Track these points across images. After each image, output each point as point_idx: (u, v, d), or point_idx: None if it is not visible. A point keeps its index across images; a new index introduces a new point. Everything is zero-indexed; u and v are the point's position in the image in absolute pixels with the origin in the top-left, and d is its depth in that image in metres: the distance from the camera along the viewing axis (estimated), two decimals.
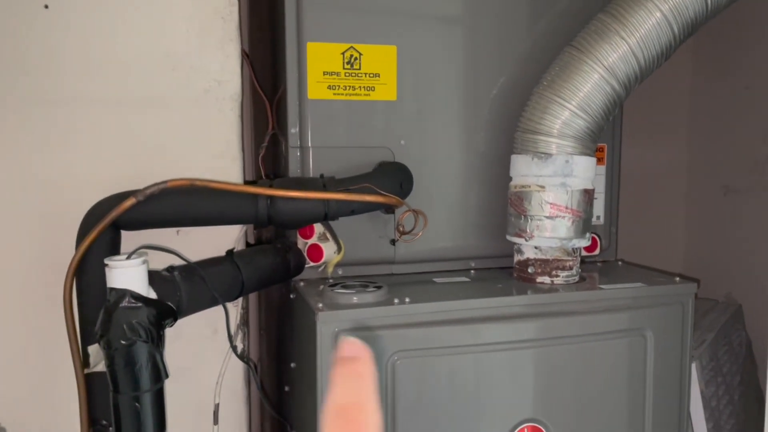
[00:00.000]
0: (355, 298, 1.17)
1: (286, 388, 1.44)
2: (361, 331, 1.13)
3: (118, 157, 1.24)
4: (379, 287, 1.20)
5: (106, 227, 1.09)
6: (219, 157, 1.31)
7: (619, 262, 1.55)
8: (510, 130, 1.40)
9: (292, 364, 1.37)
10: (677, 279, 1.35)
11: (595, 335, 1.24)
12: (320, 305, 1.14)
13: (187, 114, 1.27)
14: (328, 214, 1.19)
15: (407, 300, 1.17)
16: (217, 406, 1.29)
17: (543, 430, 1.21)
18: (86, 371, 1.07)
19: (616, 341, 1.25)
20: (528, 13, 1.43)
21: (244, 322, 1.36)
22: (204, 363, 1.32)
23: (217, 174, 1.30)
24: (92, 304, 1.09)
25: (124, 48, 1.22)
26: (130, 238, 1.13)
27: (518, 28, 1.42)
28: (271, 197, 1.16)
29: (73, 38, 1.20)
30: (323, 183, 1.20)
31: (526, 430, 1.20)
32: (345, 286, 1.22)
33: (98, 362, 1.05)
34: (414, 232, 1.28)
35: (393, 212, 1.34)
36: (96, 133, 1.23)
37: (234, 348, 1.21)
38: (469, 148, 1.42)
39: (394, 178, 1.25)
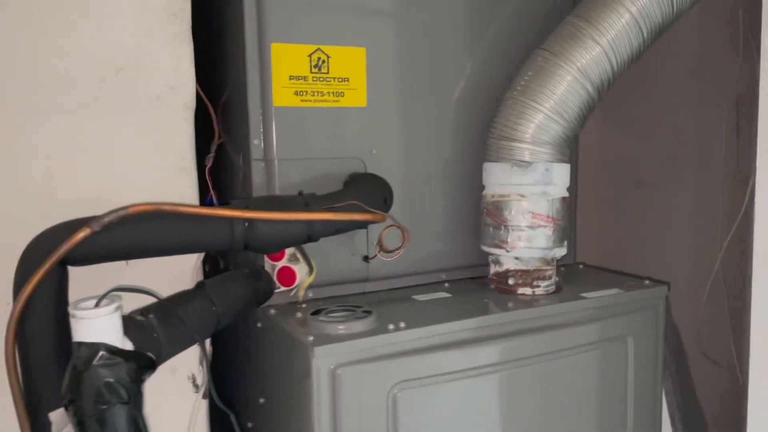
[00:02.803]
0: (346, 327, 1.06)
1: (249, 425, 1.30)
2: (359, 364, 1.03)
3: (61, 172, 1.05)
4: (368, 312, 1.11)
5: (54, 266, 0.91)
6: (174, 171, 1.14)
7: (581, 266, 1.56)
8: (473, 136, 1.36)
9: (261, 400, 1.24)
10: (647, 282, 1.37)
11: (585, 346, 1.22)
12: (311, 338, 1.03)
13: (136, 123, 1.10)
14: (311, 236, 1.08)
15: (402, 325, 1.08)
16: None
17: None
18: None
19: (601, 350, 1.24)
20: (480, 14, 1.37)
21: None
22: (162, 409, 1.16)
23: (173, 189, 1.14)
24: (41, 361, 0.91)
25: (64, 49, 1.03)
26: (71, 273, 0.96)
27: (474, 29, 1.36)
28: (249, 221, 1.02)
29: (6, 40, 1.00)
30: (305, 201, 1.08)
31: None
32: (330, 313, 1.11)
33: (62, 429, 0.87)
34: (398, 250, 1.19)
35: (366, 227, 1.25)
36: (35, 143, 1.03)
37: (222, 390, 1.06)
38: (436, 156, 1.36)
39: (378, 193, 1.16)
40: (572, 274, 1.45)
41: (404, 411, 1.05)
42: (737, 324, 1.72)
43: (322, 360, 1.01)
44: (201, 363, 1.19)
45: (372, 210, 1.09)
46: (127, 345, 0.86)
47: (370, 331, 1.06)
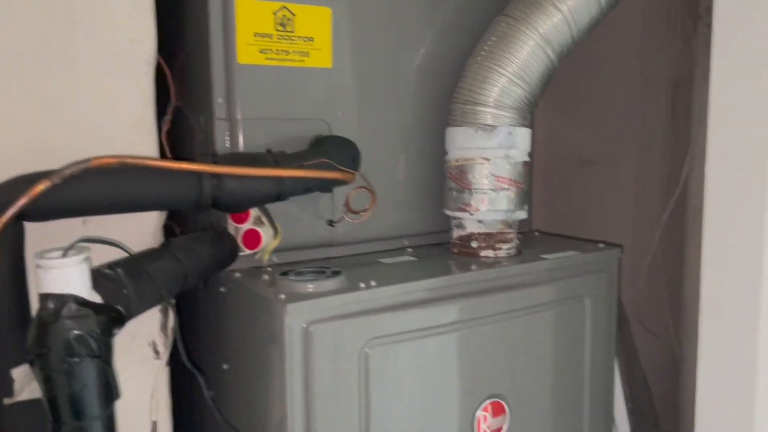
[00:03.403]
0: (316, 286, 1.05)
1: (211, 393, 1.27)
2: (331, 321, 1.02)
3: (11, 125, 0.99)
4: (337, 272, 1.10)
5: (11, 219, 0.86)
6: (133, 130, 1.10)
7: (536, 233, 1.59)
8: (435, 103, 1.36)
9: (224, 366, 1.21)
10: (601, 245, 1.41)
11: (546, 305, 1.25)
12: (282, 296, 1.01)
13: (94, 78, 1.04)
14: (280, 194, 1.06)
15: (373, 284, 1.08)
16: (154, 425, 1.10)
17: (503, 403, 1.20)
18: (7, 402, 0.84)
19: (561, 309, 1.28)
20: None
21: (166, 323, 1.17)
22: (121, 377, 1.11)
23: (132, 148, 1.09)
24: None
25: None
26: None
27: None
28: (218, 176, 0.99)
29: None
30: (274, 159, 1.06)
31: (490, 406, 1.18)
32: (298, 274, 1.10)
33: (25, 387, 0.83)
34: (365, 211, 1.18)
35: (331, 191, 1.23)
36: None
37: (187, 356, 1.03)
38: (399, 122, 1.36)
39: (346, 153, 1.15)
40: (529, 240, 1.48)
41: (375, 368, 1.05)
42: (674, 297, 1.80)
43: (295, 318, 0.99)
44: (162, 328, 1.15)
45: (342, 168, 1.08)
46: (96, 299, 0.82)
47: (342, 289, 1.05)
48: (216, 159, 1.02)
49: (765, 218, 0.95)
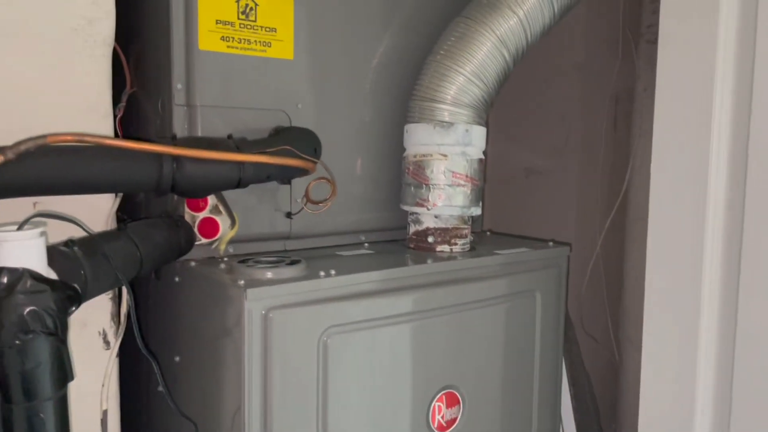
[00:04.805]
0: (276, 272, 1.05)
1: (159, 388, 1.23)
2: (291, 307, 1.02)
3: None
4: (296, 261, 1.10)
5: None
6: (87, 113, 1.07)
7: (488, 233, 1.62)
8: (392, 102, 1.39)
9: (177, 358, 1.19)
10: (550, 243, 1.45)
11: (498, 297, 1.27)
12: (242, 282, 1.00)
13: (49, 56, 1.02)
14: (241, 180, 1.05)
15: (332, 272, 1.08)
16: (105, 414, 1.06)
17: (457, 394, 1.22)
18: None
19: (512, 303, 1.31)
20: None
21: (118, 312, 1.14)
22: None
23: (86, 131, 1.06)
24: None
25: None
26: None
27: None
28: (178, 158, 0.98)
29: None
30: (236, 144, 1.05)
31: (444, 396, 1.20)
32: (256, 262, 1.09)
33: None
34: (325, 201, 1.18)
35: (289, 183, 1.23)
36: None
37: (144, 342, 1.00)
38: (357, 118, 1.37)
39: (308, 142, 1.15)
40: (482, 239, 1.51)
41: (333, 357, 1.05)
42: (614, 303, 1.86)
43: (255, 303, 0.98)
44: (113, 318, 1.11)
45: (304, 156, 1.08)
46: (51, 275, 0.79)
47: (302, 277, 1.05)
48: (176, 142, 1.00)
49: (705, 224, 1.00)
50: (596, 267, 1.98)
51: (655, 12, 1.71)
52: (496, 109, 2.64)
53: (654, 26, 1.74)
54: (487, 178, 2.73)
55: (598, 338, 1.95)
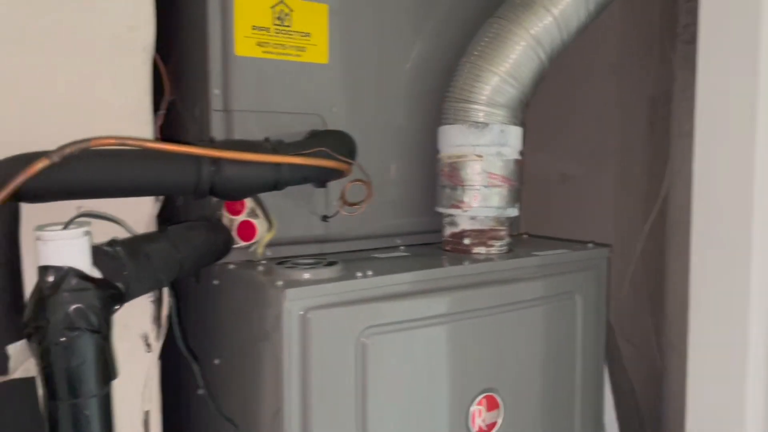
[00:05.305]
0: (314, 273, 1.05)
1: (200, 391, 1.24)
2: (329, 308, 1.02)
3: (10, 106, 0.98)
4: (333, 262, 1.10)
5: (9, 197, 0.84)
6: (128, 119, 1.09)
7: (524, 236, 1.61)
8: (426, 105, 1.38)
9: (216, 361, 1.19)
10: (590, 245, 1.43)
11: (535, 300, 1.25)
12: (280, 283, 1.00)
13: (90, 63, 1.04)
14: (278, 182, 1.06)
15: (370, 273, 1.08)
16: (147, 414, 1.07)
17: (497, 398, 1.20)
18: (0, 380, 0.82)
19: (552, 305, 1.28)
20: None
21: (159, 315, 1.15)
22: None
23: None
24: None
25: None
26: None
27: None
28: (216, 160, 0.99)
29: None
30: (272, 147, 1.06)
31: (484, 400, 1.18)
32: (294, 264, 1.09)
33: (20, 365, 0.81)
34: (361, 203, 1.18)
35: (325, 186, 1.24)
36: None
37: (185, 344, 1.01)
38: (391, 121, 1.37)
39: (344, 144, 1.15)
40: (520, 242, 1.49)
41: (372, 358, 1.04)
42: (655, 308, 1.81)
43: (294, 303, 0.98)
44: (155, 321, 1.13)
45: (340, 158, 1.08)
46: (95, 275, 0.81)
47: (339, 277, 1.05)
48: (214, 144, 1.01)
49: (752, 225, 0.97)
50: (636, 272, 1.94)
51: (691, 12, 1.69)
52: (530, 114, 2.62)
53: (690, 26, 1.71)
54: (523, 183, 2.71)
55: (638, 345, 1.91)
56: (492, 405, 1.19)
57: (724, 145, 0.99)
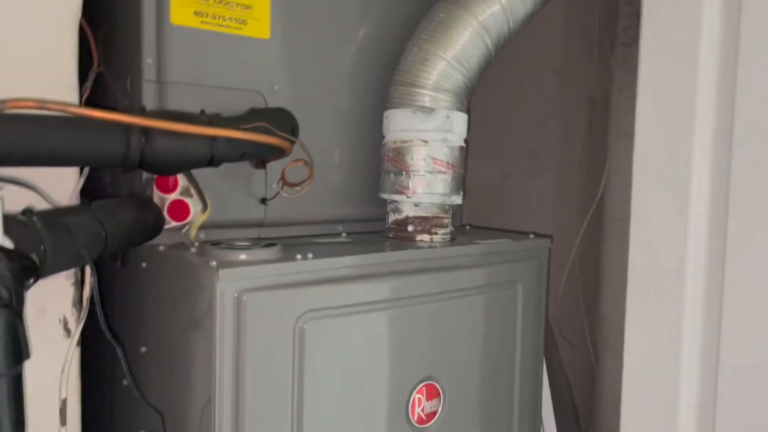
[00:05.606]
0: (250, 254, 0.99)
1: (125, 382, 1.17)
2: (266, 290, 0.97)
3: None
4: (272, 244, 1.05)
5: None
6: (52, 84, 1.01)
7: (467, 227, 1.59)
8: (369, 89, 1.35)
9: (143, 349, 1.12)
10: (531, 236, 1.42)
11: (477, 288, 1.24)
12: (213, 263, 0.95)
13: (10, 24, 0.96)
14: (214, 157, 1.00)
15: (309, 255, 1.03)
16: (63, 403, 0.99)
17: (437, 386, 1.17)
18: None
19: (493, 294, 1.27)
20: None
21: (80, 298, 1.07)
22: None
23: None
24: None
25: None
26: None
27: None
28: (147, 130, 0.93)
29: None
30: (209, 119, 1.00)
31: (424, 388, 1.15)
32: (230, 246, 1.04)
33: None
34: (303, 183, 1.14)
35: (264, 167, 1.19)
36: None
37: (109, 327, 0.94)
38: (335, 104, 1.33)
39: (285, 122, 1.11)
40: (463, 231, 1.48)
41: (310, 343, 1.00)
42: (590, 306, 1.83)
43: (228, 285, 0.93)
44: (75, 304, 1.05)
45: (281, 134, 1.03)
46: (7, 244, 0.73)
47: (278, 259, 1.00)
48: (146, 113, 0.95)
49: (688, 222, 0.97)
50: (573, 270, 1.95)
51: (631, 15, 1.72)
52: (472, 114, 2.62)
53: (630, 29, 1.74)
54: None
55: (574, 342, 1.92)
56: (432, 394, 1.16)
57: (664, 143, 1.00)
